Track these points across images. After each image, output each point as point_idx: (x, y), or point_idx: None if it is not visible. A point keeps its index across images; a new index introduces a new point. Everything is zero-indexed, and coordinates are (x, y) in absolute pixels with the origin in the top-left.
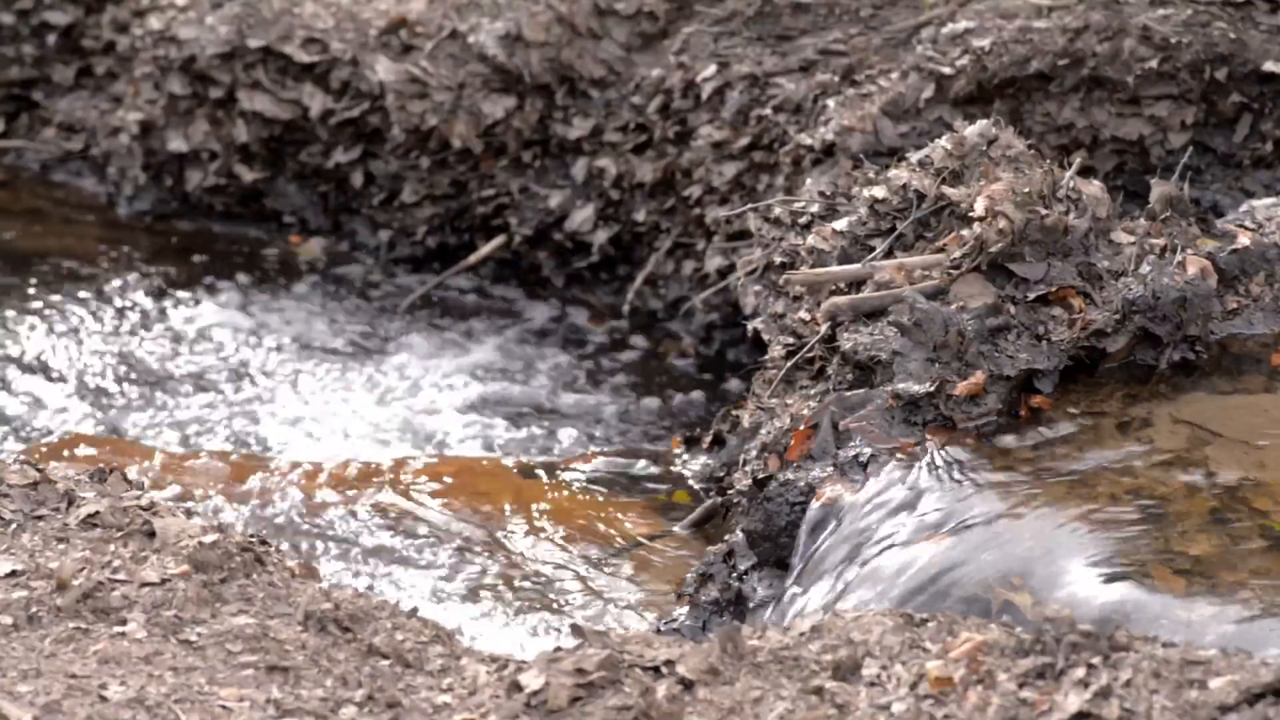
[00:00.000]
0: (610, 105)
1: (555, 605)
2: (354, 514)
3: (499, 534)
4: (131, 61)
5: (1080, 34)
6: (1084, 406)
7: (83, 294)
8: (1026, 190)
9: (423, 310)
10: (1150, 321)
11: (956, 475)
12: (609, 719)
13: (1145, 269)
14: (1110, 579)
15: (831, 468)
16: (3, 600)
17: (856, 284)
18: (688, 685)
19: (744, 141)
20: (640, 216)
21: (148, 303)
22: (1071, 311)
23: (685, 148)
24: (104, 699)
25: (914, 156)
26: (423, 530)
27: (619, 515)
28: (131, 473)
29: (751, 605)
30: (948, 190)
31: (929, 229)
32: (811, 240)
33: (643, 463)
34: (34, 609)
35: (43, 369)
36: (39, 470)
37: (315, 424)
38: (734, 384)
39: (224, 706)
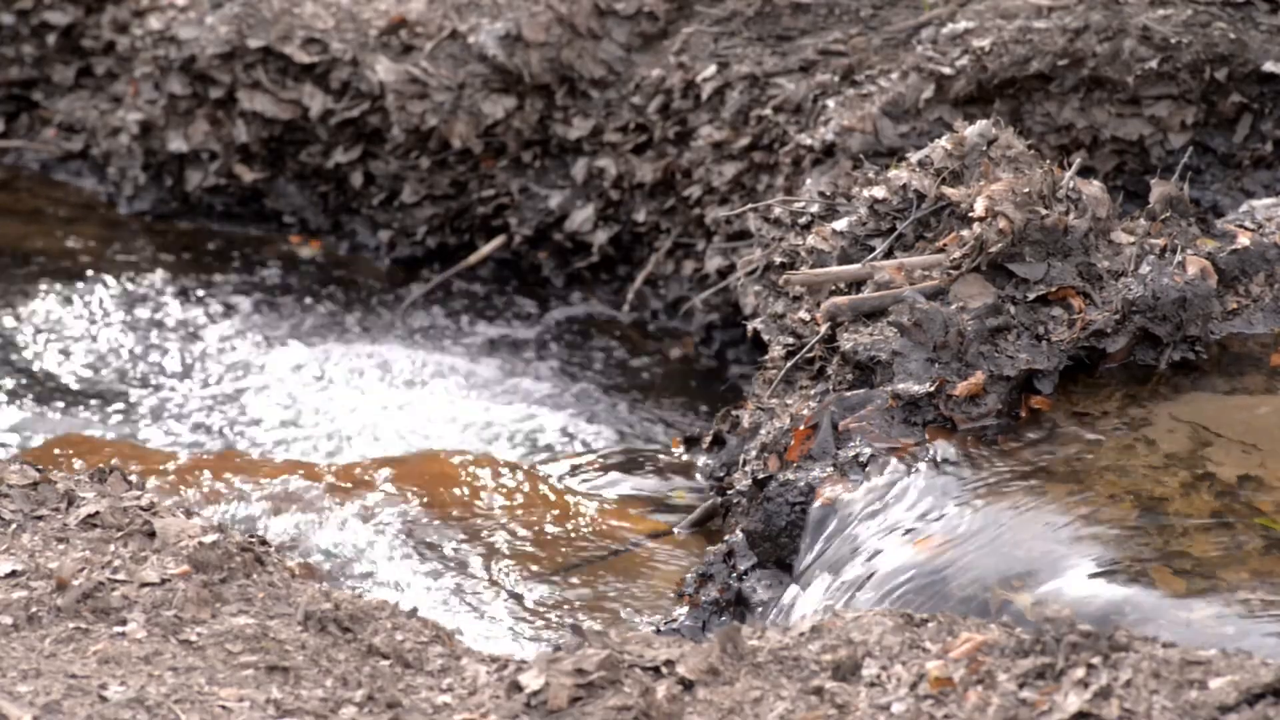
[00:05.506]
0: (610, 105)
1: (554, 605)
2: (352, 513)
3: (498, 533)
4: (131, 61)
5: (1080, 34)
6: (1084, 407)
7: (83, 294)
8: (1026, 190)
9: (423, 310)
10: (1150, 321)
11: (956, 476)
12: (609, 719)
13: (1145, 269)
14: (1110, 579)
15: (831, 468)
16: (3, 600)
17: (856, 284)
18: (688, 685)
19: (744, 141)
20: (640, 216)
21: (148, 303)
22: (1071, 311)
23: (685, 148)
24: (104, 699)
25: (914, 156)
26: (421, 529)
27: (619, 515)
28: (131, 473)
29: (751, 605)
30: (948, 190)
31: (929, 229)
32: (811, 240)
33: (643, 462)
34: (34, 609)
35: (43, 369)
36: (39, 470)
37: (315, 423)
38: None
39: (224, 706)
